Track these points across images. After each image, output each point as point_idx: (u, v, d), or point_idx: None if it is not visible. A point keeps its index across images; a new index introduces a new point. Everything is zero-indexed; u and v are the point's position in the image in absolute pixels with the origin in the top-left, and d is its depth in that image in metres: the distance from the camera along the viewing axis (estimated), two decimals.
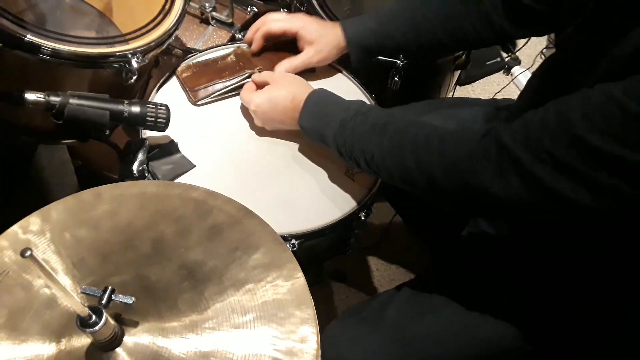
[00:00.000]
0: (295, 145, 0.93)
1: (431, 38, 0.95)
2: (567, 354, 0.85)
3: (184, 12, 0.92)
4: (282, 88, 0.87)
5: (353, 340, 0.83)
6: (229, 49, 1.03)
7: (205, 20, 1.27)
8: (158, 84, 0.95)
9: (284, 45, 1.02)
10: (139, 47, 0.83)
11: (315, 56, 0.96)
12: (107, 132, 0.78)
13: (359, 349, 0.82)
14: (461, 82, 2.01)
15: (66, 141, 0.95)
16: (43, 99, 0.72)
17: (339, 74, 1.05)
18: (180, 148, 0.86)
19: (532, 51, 2.11)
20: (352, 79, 1.05)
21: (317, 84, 0.97)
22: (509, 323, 0.82)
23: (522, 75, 2.05)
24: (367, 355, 0.82)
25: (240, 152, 0.90)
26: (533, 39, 1.97)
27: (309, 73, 1.03)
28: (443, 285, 0.89)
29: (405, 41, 0.95)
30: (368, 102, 1.02)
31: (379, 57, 1.04)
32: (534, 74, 0.88)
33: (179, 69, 0.97)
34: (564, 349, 0.83)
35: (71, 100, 0.72)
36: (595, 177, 0.56)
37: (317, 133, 0.83)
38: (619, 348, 0.82)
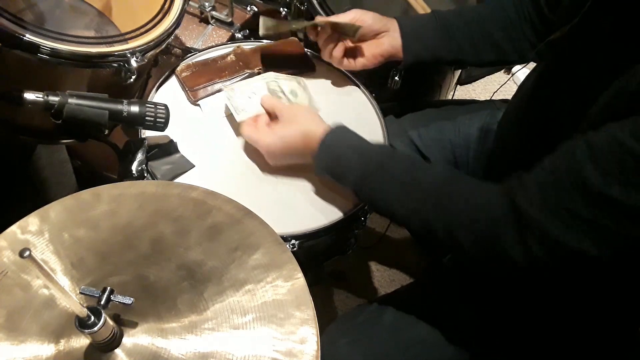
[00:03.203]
0: None
1: (489, 51, 0.95)
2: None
3: (183, 12, 0.91)
4: (293, 127, 0.81)
5: (351, 344, 0.83)
6: (229, 48, 1.03)
7: (204, 20, 1.27)
8: (157, 84, 0.95)
9: (286, 49, 1.03)
10: (138, 47, 0.83)
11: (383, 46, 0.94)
12: (106, 132, 0.78)
13: (356, 353, 0.82)
14: (461, 82, 2.01)
15: (65, 141, 0.95)
16: (42, 99, 0.71)
17: (339, 73, 1.05)
18: (179, 148, 0.85)
19: None
20: (352, 78, 1.04)
21: (317, 83, 0.98)
22: (503, 329, 0.82)
23: (522, 74, 2.04)
24: (365, 359, 0.82)
25: (240, 152, 0.90)
26: None
27: (309, 71, 1.03)
28: (440, 289, 0.89)
29: (464, 56, 0.96)
30: (369, 102, 1.02)
31: None
32: (529, 74, 0.88)
33: (179, 68, 0.97)
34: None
35: (70, 100, 0.72)
36: (621, 230, 0.56)
37: (335, 180, 0.80)
38: None
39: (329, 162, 0.79)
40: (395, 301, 0.88)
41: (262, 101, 0.87)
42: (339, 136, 0.80)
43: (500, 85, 1.61)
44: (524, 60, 0.98)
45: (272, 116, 0.86)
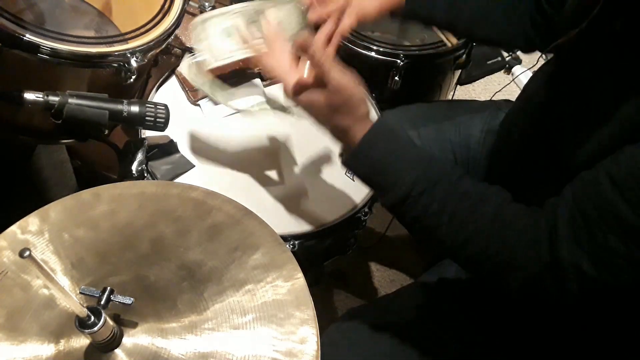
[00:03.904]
0: (296, 146, 0.92)
1: (484, 26, 0.94)
2: None
3: (183, 12, 0.92)
4: (340, 107, 0.68)
5: (353, 344, 0.83)
6: None
7: None
8: (157, 84, 0.95)
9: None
10: (138, 47, 0.83)
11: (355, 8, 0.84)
12: (106, 132, 0.78)
13: (358, 353, 0.82)
14: (462, 82, 2.01)
15: (65, 141, 0.95)
16: (42, 99, 0.71)
17: None
18: (179, 148, 0.85)
19: None
20: None
21: None
22: (505, 330, 0.82)
23: (523, 75, 2.05)
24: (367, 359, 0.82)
25: (240, 152, 0.90)
26: None
27: None
28: (443, 289, 0.89)
29: (457, 22, 0.94)
30: (368, 103, 1.01)
31: (379, 57, 1.03)
32: (533, 77, 0.87)
33: (179, 68, 0.97)
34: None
35: (70, 100, 0.72)
36: None
37: (370, 187, 0.71)
38: None
39: (367, 168, 0.68)
40: (396, 302, 0.88)
41: (312, 61, 0.68)
42: (381, 137, 0.68)
43: (502, 87, 1.61)
44: (511, 48, 0.98)
45: (316, 76, 0.68)
